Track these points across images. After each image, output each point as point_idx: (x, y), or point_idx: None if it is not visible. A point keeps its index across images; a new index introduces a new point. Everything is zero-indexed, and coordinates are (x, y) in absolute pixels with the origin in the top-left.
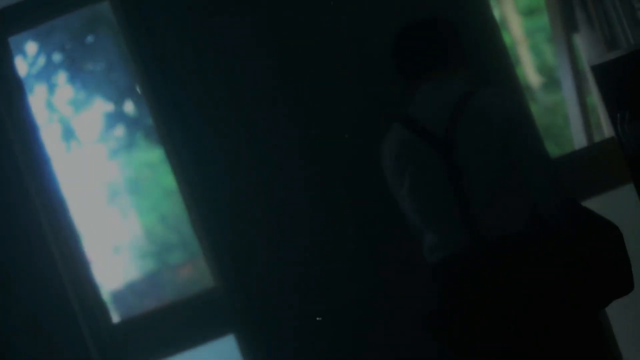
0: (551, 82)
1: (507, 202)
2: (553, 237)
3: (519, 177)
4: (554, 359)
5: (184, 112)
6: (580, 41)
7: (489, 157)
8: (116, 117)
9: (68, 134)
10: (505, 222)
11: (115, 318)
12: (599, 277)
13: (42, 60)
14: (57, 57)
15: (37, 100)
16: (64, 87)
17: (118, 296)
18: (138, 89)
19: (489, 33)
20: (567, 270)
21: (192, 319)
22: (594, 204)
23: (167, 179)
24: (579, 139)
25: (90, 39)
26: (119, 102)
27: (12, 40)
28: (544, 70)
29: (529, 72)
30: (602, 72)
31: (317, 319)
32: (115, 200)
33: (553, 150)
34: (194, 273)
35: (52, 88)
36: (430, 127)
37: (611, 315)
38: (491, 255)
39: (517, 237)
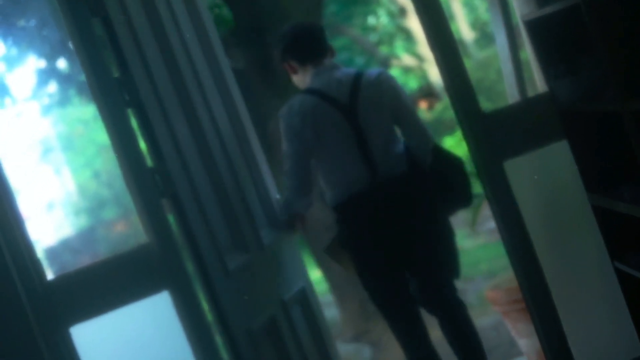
0: (484, 37)
1: (394, 151)
2: (422, 171)
3: (399, 131)
4: (424, 260)
5: (117, 68)
6: None
7: (381, 118)
8: (49, 73)
9: (1, 90)
10: (394, 165)
11: (50, 275)
12: (449, 194)
13: None
14: None
15: None
16: None
17: (52, 253)
18: (70, 45)
19: None
20: (428, 191)
21: (127, 275)
22: (527, 160)
23: (101, 135)
24: (512, 94)
25: None
26: (51, 59)
27: None
28: (478, 25)
29: (463, 27)
30: (535, 27)
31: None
32: (48, 157)
33: (486, 104)
34: (128, 229)
35: None
36: (336, 97)
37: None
38: (387, 190)
39: (402, 175)
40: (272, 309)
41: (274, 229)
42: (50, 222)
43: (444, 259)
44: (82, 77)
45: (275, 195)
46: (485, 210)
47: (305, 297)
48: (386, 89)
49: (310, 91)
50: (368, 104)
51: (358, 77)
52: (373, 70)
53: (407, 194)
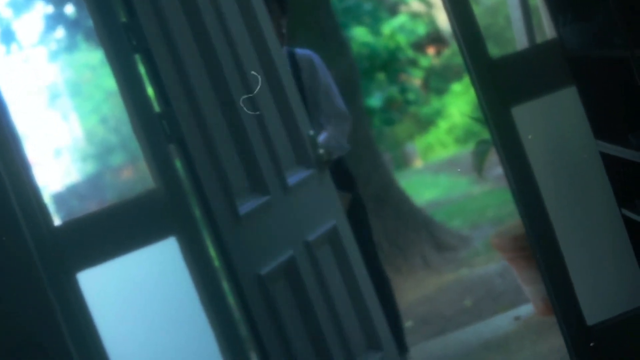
0: None
1: None
2: None
3: None
4: None
5: (125, 13)
6: None
7: None
8: (56, 19)
9: (8, 36)
10: None
11: (57, 221)
12: None
13: None
14: None
15: None
16: None
17: (59, 199)
18: None
19: None
20: None
21: (134, 221)
22: (536, 106)
23: (108, 81)
24: (520, 40)
25: None
26: (59, 4)
27: None
28: None
29: None
30: None
31: None
32: (55, 103)
33: (494, 51)
34: (135, 175)
35: None
36: None
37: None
38: None
39: None
40: (293, 251)
41: (308, 166)
42: (58, 168)
43: None
44: (90, 23)
45: (309, 131)
46: (493, 157)
47: (337, 235)
48: None
49: None
50: None
51: None
52: None
53: None
